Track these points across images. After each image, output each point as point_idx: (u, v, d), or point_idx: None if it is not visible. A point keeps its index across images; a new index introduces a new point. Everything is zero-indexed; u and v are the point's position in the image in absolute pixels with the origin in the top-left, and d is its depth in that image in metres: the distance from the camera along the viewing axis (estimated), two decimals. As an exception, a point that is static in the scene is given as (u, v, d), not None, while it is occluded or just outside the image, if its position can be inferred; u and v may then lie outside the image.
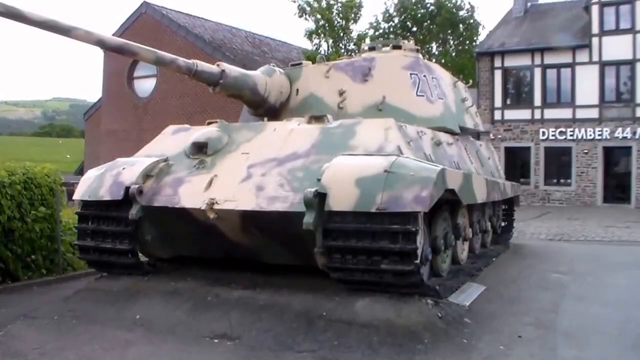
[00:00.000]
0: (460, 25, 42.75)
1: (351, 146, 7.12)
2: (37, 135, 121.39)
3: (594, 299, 8.09)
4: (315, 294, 6.65)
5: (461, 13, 42.69)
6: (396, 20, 42.70)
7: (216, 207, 6.88)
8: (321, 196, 6.21)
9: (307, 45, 34.78)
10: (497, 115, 32.75)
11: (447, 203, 7.69)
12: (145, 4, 29.94)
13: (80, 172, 33.97)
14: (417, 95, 9.28)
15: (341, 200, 6.15)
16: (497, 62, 32.80)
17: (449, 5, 41.87)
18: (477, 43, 39.51)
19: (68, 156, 57.98)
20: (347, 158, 6.68)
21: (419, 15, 41.89)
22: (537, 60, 31.68)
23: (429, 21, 41.74)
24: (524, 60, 32.14)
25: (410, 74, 9.37)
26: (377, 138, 7.18)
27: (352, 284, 6.49)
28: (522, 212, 18.52)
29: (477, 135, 12.65)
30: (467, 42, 43.44)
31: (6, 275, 9.42)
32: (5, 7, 5.96)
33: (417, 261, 6.18)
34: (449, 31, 42.55)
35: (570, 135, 30.80)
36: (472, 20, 43.11)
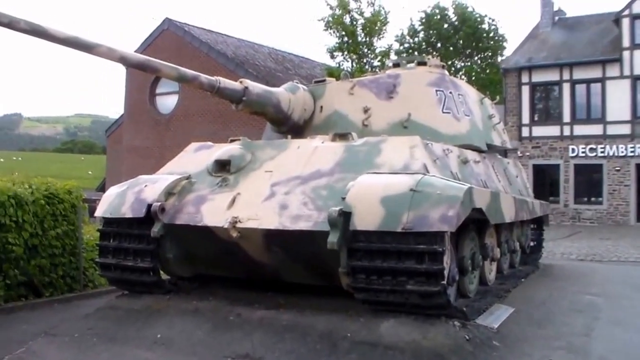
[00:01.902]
0: (484, 40, 42.67)
1: (376, 164, 7.10)
2: (59, 151, 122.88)
3: (630, 323, 7.95)
4: (339, 315, 6.61)
5: (484, 26, 42.63)
6: (421, 35, 42.76)
7: (239, 225, 6.88)
8: (346, 215, 6.19)
9: (330, 61, 34.87)
10: (525, 132, 32.58)
11: (475, 222, 7.64)
12: (167, 21, 30.20)
13: (102, 188, 34.26)
14: (443, 112, 9.26)
15: (366, 219, 6.12)
16: (525, 78, 32.68)
17: (472, 19, 41.84)
18: (503, 58, 39.41)
19: (90, 172, 58.59)
20: (372, 176, 6.65)
21: (443, 30, 41.92)
22: (566, 75, 31.52)
23: (453, 36, 41.73)
24: (552, 76, 31.98)
25: (436, 91, 9.35)
26: (403, 156, 7.16)
27: (377, 305, 6.45)
28: (552, 231, 18.36)
29: (505, 152, 12.58)
30: (492, 57, 43.35)
31: (29, 290, 9.52)
32: (29, 25, 6.05)
33: (444, 282, 6.12)
34: (473, 44, 42.50)
35: (601, 152, 30.55)
36: (495, 35, 43.02)
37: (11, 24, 5.94)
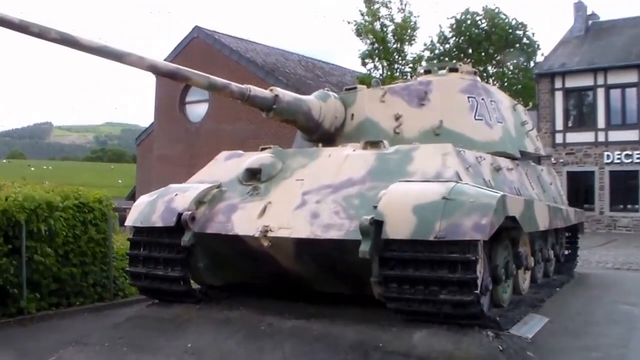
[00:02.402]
0: (516, 45, 42.39)
1: (408, 172, 7.09)
2: (89, 160, 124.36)
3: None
4: (371, 325, 6.58)
5: (518, 32, 42.35)
6: (451, 42, 42.59)
7: (270, 234, 6.90)
8: (378, 224, 6.18)
9: (361, 68, 34.88)
10: (559, 138, 32.27)
11: (508, 231, 7.57)
12: (197, 29, 30.44)
13: (132, 197, 34.56)
14: (476, 119, 9.21)
15: (398, 228, 6.10)
16: (558, 83, 32.39)
17: (503, 23, 41.58)
18: (536, 64, 39.11)
19: (120, 181, 59.14)
20: (404, 185, 6.64)
21: (474, 35, 41.71)
22: (600, 80, 31.18)
23: (484, 42, 41.49)
24: (586, 81, 31.66)
25: (468, 97, 9.31)
26: (435, 164, 7.14)
27: (410, 315, 6.42)
28: (587, 239, 18.12)
29: (538, 159, 12.50)
30: (525, 63, 43.03)
31: (60, 299, 9.64)
32: (60, 34, 6.13)
33: (477, 291, 6.09)
34: (505, 51, 42.23)
35: (637, 158, 30.12)
36: (527, 40, 42.71)
37: (42, 33, 6.02)
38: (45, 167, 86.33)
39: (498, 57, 42.22)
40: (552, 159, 30.80)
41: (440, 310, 6.18)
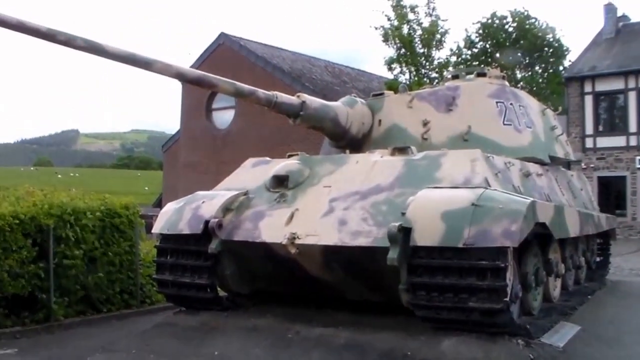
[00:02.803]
0: (545, 49, 42.12)
1: (436, 179, 7.08)
2: (116, 167, 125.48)
3: None
4: (399, 333, 6.57)
5: (549, 37, 42.09)
6: (478, 46, 42.43)
7: (297, 241, 6.92)
8: (406, 231, 6.17)
9: (388, 74, 34.82)
10: (589, 143, 31.94)
11: (538, 237, 7.52)
12: (223, 35, 30.57)
13: (159, 204, 34.77)
14: (504, 125, 9.16)
15: (427, 234, 6.09)
16: (588, 87, 32.06)
17: (534, 30, 41.35)
18: (565, 67, 38.81)
19: (146, 188, 59.60)
20: (433, 191, 6.63)
21: (501, 39, 41.49)
22: (632, 84, 30.81)
23: (512, 45, 41.25)
24: (616, 84, 31.30)
25: (497, 102, 9.27)
26: (464, 170, 7.12)
27: (438, 323, 6.40)
28: (619, 246, 17.89)
29: (568, 165, 12.39)
30: (554, 66, 42.72)
31: (88, 306, 9.73)
32: (86, 42, 6.20)
33: (507, 299, 6.05)
34: (535, 55, 41.98)
35: (670, 163, 29.75)
36: (556, 44, 42.42)
37: (69, 41, 6.10)
38: (72, 174, 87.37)
39: (527, 61, 41.98)
40: (583, 164, 30.48)
41: (469, 318, 6.16)
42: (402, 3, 32.54)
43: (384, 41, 32.90)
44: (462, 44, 42.57)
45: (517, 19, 41.98)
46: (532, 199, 6.70)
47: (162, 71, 6.96)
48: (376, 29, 33.28)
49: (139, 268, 10.54)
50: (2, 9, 5.72)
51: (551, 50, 42.57)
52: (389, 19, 32.72)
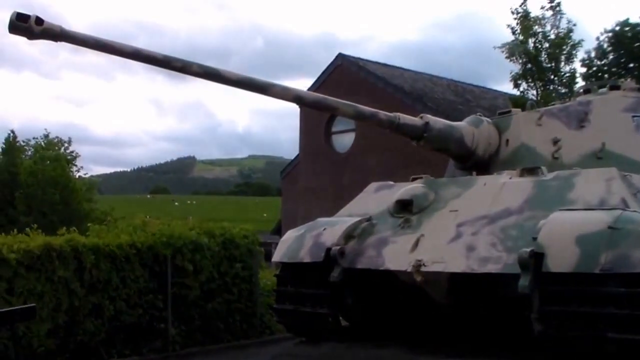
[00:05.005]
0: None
1: (569, 200, 6.92)
2: (233, 194, 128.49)
3: None
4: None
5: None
6: (610, 56, 41.02)
7: (423, 269, 6.90)
8: (537, 256, 6.06)
9: (514, 91, 34.21)
10: None
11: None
12: (340, 56, 30.88)
13: (277, 231, 35.27)
14: (642, 140, 8.85)
15: (560, 260, 5.96)
16: None
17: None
18: None
19: (264, 215, 60.70)
20: (566, 214, 6.48)
21: (635, 49, 39.93)
22: None
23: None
24: None
25: (633, 117, 8.95)
26: (598, 190, 6.93)
27: (572, 356, 6.23)
28: None
29: None
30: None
31: (206, 336, 9.98)
32: (202, 68, 6.47)
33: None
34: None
35: None
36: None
37: (184, 68, 6.39)
38: (189, 201, 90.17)
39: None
40: None
41: (606, 351, 5.95)
42: (530, 15, 32.00)
43: (508, 57, 32.37)
44: (592, 54, 41.29)
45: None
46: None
47: (280, 95, 7.12)
48: (499, 48, 32.80)
49: (259, 297, 10.73)
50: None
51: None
52: (513, 33, 32.21)
